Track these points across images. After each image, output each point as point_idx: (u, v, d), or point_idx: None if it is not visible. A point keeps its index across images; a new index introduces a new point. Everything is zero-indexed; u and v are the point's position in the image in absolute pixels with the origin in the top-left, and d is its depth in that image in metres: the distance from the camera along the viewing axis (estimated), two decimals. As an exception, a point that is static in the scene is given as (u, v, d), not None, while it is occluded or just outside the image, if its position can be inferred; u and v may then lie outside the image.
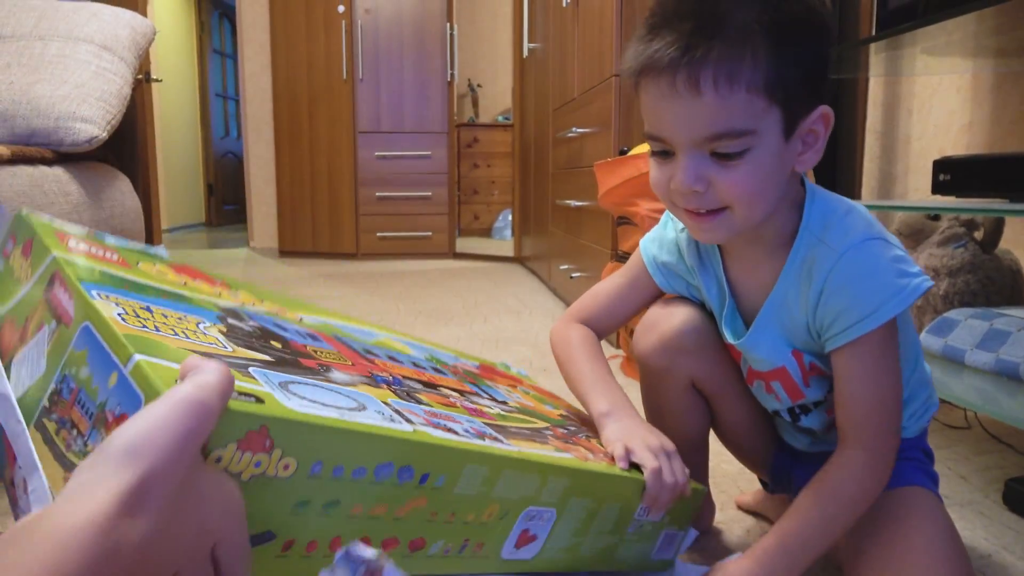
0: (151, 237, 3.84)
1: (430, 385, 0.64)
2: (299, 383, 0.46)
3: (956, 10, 0.95)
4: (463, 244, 4.59)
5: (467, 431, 0.54)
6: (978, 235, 1.20)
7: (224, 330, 0.51)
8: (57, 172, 1.28)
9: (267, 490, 0.40)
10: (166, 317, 0.48)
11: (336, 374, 0.53)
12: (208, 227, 7.37)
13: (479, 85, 5.79)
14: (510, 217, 4.94)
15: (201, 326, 0.50)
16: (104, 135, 1.34)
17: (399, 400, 0.54)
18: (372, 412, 0.47)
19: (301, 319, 0.67)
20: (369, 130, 4.26)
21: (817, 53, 0.61)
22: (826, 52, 0.62)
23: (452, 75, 4.31)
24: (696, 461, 0.85)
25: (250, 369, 0.45)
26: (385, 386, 0.56)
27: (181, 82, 6.78)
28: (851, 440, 0.67)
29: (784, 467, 0.84)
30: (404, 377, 0.62)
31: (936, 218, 1.25)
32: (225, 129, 7.61)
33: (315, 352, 0.57)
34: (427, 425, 0.51)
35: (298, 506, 0.42)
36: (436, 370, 0.72)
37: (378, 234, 4.32)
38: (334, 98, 4.26)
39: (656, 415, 0.84)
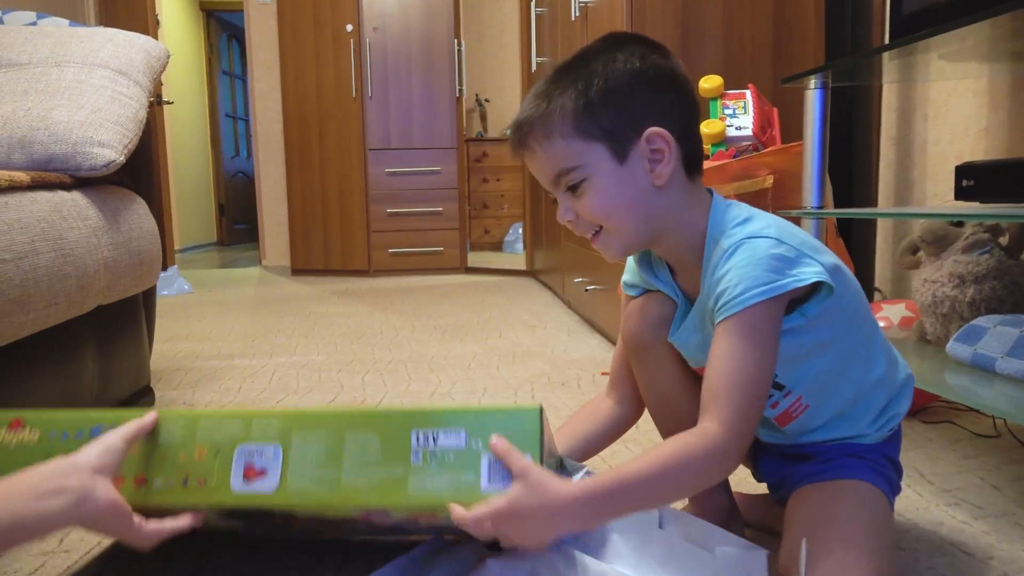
0: (165, 258, 3.86)
1: None
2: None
3: (970, 18, 0.94)
4: (475, 258, 4.59)
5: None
6: (1003, 240, 1.18)
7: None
8: (76, 197, 1.28)
9: (25, 452, 0.73)
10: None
11: None
12: (220, 246, 7.41)
13: (487, 100, 5.81)
14: (521, 230, 4.93)
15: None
16: (121, 159, 1.35)
17: None
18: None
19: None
20: (379, 147, 4.28)
21: (635, 100, 0.75)
22: (648, 96, 0.76)
23: (460, 91, 4.33)
24: None
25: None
26: None
27: (191, 103, 6.84)
28: (709, 413, 0.70)
29: (753, 456, 0.90)
30: None
31: (960, 224, 1.23)
32: (235, 149, 7.67)
33: None
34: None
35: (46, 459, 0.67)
36: None
37: (390, 250, 4.33)
38: (344, 116, 4.28)
39: (659, 400, 0.90)
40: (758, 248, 0.71)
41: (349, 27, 4.19)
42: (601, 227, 0.78)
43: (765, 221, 0.75)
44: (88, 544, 0.91)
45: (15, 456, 0.73)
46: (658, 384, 0.89)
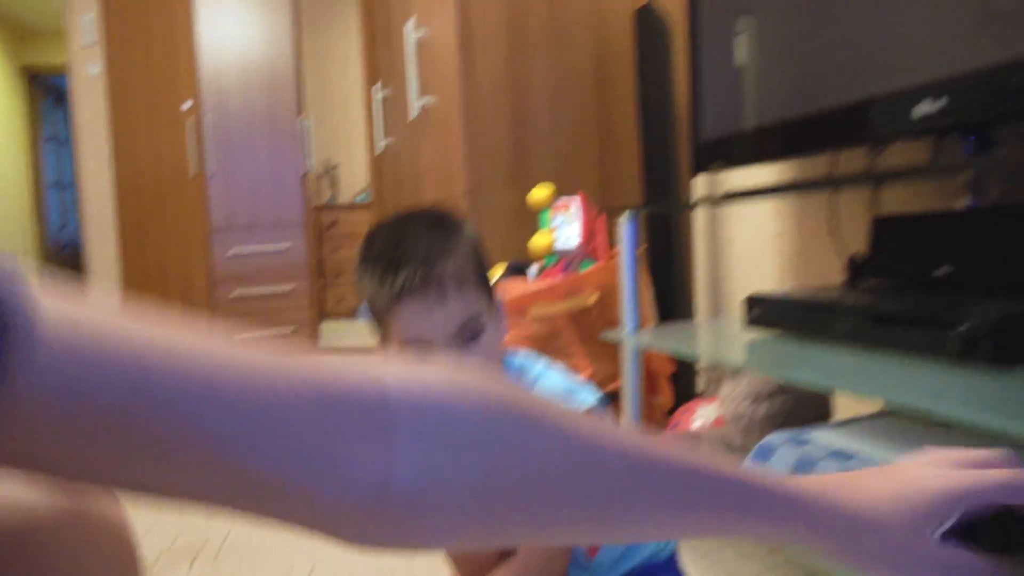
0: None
1: None
2: None
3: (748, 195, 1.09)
4: (330, 329, 4.53)
5: None
6: (788, 358, 1.34)
7: None
8: None
9: None
10: None
11: None
12: (47, 324, 6.82)
13: (336, 165, 5.80)
14: (376, 300, 4.91)
15: None
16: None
17: None
18: None
19: None
20: (223, 226, 4.16)
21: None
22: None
23: (308, 167, 4.31)
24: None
25: None
26: None
27: (10, 173, 6.33)
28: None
29: None
30: None
31: (753, 345, 1.39)
32: (63, 220, 7.14)
33: None
34: None
35: None
36: None
37: (237, 336, 4.17)
38: (184, 195, 4.13)
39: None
40: (551, 381, 0.83)
41: (186, 104, 4.07)
42: None
43: (548, 363, 0.87)
44: None
45: None
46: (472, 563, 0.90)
